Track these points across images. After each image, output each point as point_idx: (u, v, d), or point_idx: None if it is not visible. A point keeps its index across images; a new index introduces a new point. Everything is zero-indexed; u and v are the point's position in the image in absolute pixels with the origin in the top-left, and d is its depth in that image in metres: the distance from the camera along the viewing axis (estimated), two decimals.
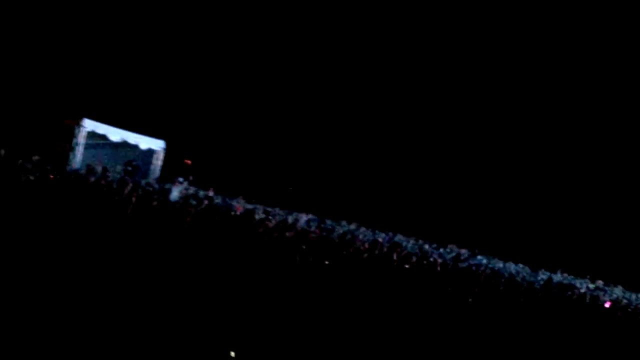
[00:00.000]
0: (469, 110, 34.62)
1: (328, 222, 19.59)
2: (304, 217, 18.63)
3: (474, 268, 15.48)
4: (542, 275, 19.05)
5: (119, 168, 21.64)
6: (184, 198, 15.77)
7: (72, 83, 29.86)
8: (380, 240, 17.27)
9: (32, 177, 10.42)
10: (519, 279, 15.76)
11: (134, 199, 10.13)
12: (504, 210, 31.76)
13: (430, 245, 20.21)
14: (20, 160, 15.93)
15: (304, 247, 9.53)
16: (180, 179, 19.21)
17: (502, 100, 34.45)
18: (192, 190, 19.47)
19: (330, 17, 34.66)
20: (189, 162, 20.17)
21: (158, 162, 23.94)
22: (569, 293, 14.73)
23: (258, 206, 19.06)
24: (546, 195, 32.80)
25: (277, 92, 33.94)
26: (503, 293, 10.54)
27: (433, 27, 34.50)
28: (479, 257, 20.01)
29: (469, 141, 34.42)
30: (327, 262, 7.78)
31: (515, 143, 34.21)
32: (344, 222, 20.84)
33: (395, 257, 12.08)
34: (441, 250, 19.76)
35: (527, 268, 20.51)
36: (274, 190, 26.95)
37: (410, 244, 19.16)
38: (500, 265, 19.64)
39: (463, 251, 20.37)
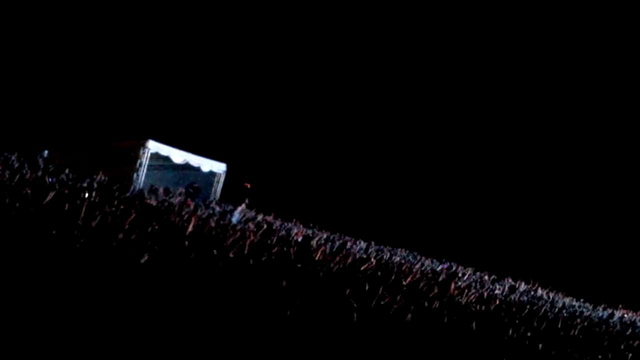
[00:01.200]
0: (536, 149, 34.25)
1: (385, 249, 19.51)
2: (360, 244, 18.61)
3: (532, 301, 15.19)
4: (603, 312, 18.53)
5: (181, 189, 22.02)
6: (244, 222, 16.00)
7: (138, 105, 30.75)
8: (438, 270, 17.13)
9: (91, 195, 10.69)
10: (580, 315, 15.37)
11: (194, 220, 10.34)
12: (564, 244, 31.14)
13: (488, 277, 19.92)
14: (87, 179, 16.45)
15: (360, 275, 9.55)
16: (241, 203, 19.50)
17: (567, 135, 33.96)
18: (251, 213, 19.72)
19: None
20: (248, 185, 20.46)
21: (219, 184, 24.27)
22: (630, 330, 14.30)
23: (316, 231, 19.15)
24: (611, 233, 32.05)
25: (334, 120, 34.24)
26: (561, 330, 10.32)
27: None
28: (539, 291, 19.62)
29: (527, 177, 34.03)
30: (384, 295, 7.76)
31: (573, 181, 33.65)
32: (400, 250, 20.72)
33: (452, 287, 11.97)
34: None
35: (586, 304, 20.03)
36: (331, 215, 27.03)
37: (467, 275, 18.92)
38: (560, 300, 19.18)
39: (523, 286, 19.98)
